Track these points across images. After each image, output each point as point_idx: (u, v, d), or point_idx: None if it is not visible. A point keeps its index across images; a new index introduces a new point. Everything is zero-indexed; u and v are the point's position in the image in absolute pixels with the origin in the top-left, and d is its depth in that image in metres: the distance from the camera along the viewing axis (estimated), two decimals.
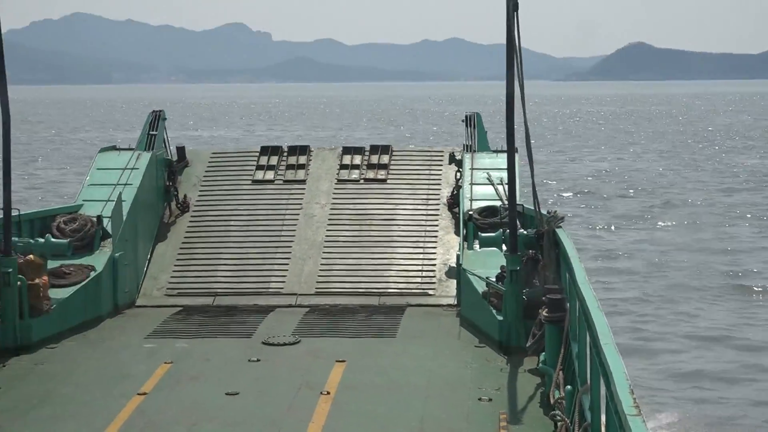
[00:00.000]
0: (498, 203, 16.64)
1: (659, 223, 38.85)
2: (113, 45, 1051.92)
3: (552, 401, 10.76)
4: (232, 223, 18.40)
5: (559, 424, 10.04)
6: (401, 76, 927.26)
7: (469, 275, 15.03)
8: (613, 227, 37.92)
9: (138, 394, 11.78)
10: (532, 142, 13.89)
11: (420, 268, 17.21)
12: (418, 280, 17.00)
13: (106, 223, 16.39)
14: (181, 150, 19.80)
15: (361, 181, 19.30)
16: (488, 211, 16.62)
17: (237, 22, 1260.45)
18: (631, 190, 48.73)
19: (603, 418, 8.32)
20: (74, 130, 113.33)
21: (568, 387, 10.38)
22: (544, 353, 11.90)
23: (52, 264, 15.05)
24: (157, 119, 19.51)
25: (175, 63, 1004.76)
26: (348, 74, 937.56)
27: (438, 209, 18.45)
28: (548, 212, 14.11)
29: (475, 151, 19.04)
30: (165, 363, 12.98)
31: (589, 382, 9.32)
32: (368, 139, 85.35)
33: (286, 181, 19.34)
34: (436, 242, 17.70)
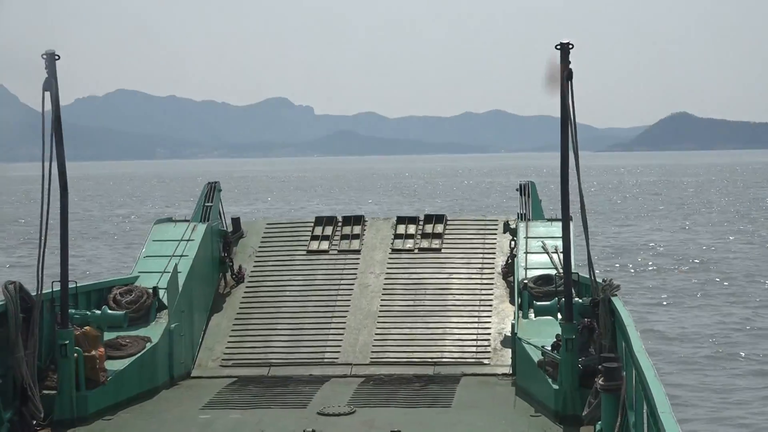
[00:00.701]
0: (553, 272, 16.58)
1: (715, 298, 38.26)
2: (156, 121, 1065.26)
3: None
4: (287, 293, 18.44)
5: None
6: (443, 149, 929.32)
7: (524, 344, 14.95)
8: (665, 302, 37.43)
9: None
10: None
11: (475, 337, 17.14)
12: (473, 349, 16.92)
13: (162, 295, 16.47)
14: (236, 221, 19.93)
15: (416, 251, 19.31)
16: (543, 280, 16.55)
17: (279, 96, 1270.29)
18: (683, 264, 48.04)
19: None
20: (121, 206, 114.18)
21: None
22: (600, 422, 11.78)
23: (108, 336, 15.12)
24: (212, 191, 19.66)
25: (218, 138, 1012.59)
26: (390, 147, 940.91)
27: (492, 278, 18.40)
28: (603, 280, 14.03)
29: (529, 219, 19.01)
30: None
31: None
32: (411, 210, 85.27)
33: (341, 251, 19.39)
34: (490, 311, 17.64)
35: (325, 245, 19.54)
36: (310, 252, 19.42)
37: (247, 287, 18.67)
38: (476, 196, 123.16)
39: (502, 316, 17.40)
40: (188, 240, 18.14)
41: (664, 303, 36.74)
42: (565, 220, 13.87)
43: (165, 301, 16.39)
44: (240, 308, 18.18)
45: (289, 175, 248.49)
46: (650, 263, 47.92)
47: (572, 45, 13.39)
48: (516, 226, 18.71)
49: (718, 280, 42.31)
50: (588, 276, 14.10)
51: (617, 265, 47.20)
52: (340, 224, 20.00)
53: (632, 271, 45.36)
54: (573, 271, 14.26)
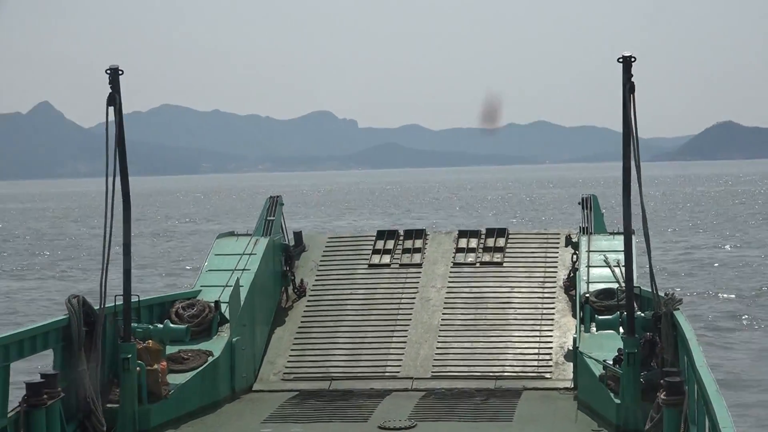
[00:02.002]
0: (615, 285, 16.47)
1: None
2: (201, 135, 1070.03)
3: None
4: (348, 307, 18.48)
5: None
6: (486, 160, 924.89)
7: (586, 358, 14.86)
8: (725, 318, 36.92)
9: None
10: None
11: (536, 351, 17.08)
12: (535, 363, 16.85)
13: (224, 309, 16.56)
14: (298, 235, 20.01)
15: (477, 264, 19.27)
16: (605, 294, 16.44)
17: (323, 110, 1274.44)
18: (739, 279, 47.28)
19: None
20: (167, 218, 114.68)
21: None
22: None
23: (170, 349, 15.24)
24: (274, 204, 19.75)
25: (262, 152, 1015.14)
26: (433, 159, 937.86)
27: (554, 292, 18.32)
28: (666, 294, 13.93)
29: (591, 233, 18.91)
30: None
31: None
32: (457, 223, 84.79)
33: (402, 265, 19.39)
34: (552, 325, 17.55)
35: (386, 259, 19.56)
36: (371, 266, 19.45)
37: (308, 301, 18.72)
38: (529, 209, 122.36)
39: (564, 330, 17.32)
40: (250, 254, 18.23)
41: (727, 318, 36.32)
42: (627, 233, 13.81)
43: (227, 314, 16.48)
44: (301, 322, 18.24)
45: (338, 188, 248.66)
46: (708, 278, 47.33)
47: (634, 58, 13.33)
48: (578, 239, 18.61)
49: None
50: (650, 289, 13.99)
51: (678, 280, 46.80)
52: (401, 238, 20.01)
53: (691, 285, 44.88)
54: (635, 284, 14.17)
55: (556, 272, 18.79)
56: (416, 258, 19.50)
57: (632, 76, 13.34)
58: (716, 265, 52.18)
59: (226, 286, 17.13)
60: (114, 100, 13.53)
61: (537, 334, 17.39)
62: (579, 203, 20.13)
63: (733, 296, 41.21)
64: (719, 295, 41.64)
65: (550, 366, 16.74)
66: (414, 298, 18.47)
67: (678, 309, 13.54)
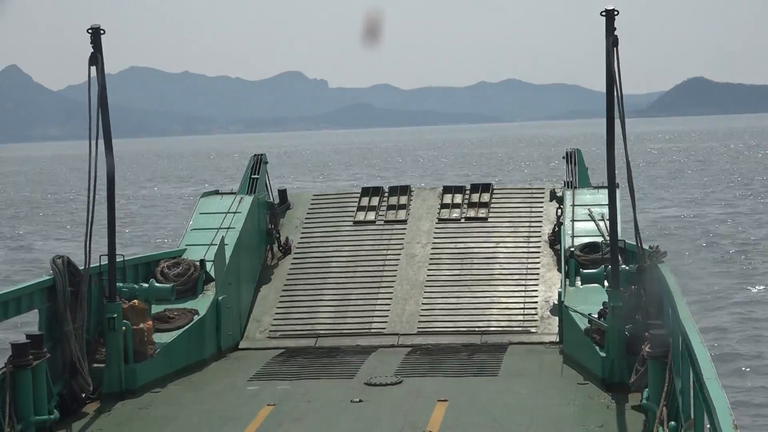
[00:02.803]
0: (599, 239, 16.50)
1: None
2: (170, 97, 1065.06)
3: None
4: (333, 264, 18.48)
5: None
6: (458, 119, 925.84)
7: (571, 312, 14.91)
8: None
9: None
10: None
11: (522, 305, 17.12)
12: (520, 318, 16.90)
13: (209, 267, 16.55)
14: (282, 193, 19.97)
15: (462, 220, 19.27)
16: (590, 248, 16.47)
17: (293, 70, 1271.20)
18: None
19: None
20: (148, 181, 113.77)
21: (672, 423, 10.25)
22: (647, 389, 11.74)
23: (156, 309, 15.23)
24: (258, 163, 19.68)
25: (232, 113, 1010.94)
26: (405, 119, 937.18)
27: (539, 246, 18.34)
28: (650, 247, 13.94)
29: (576, 187, 18.90)
30: (268, 405, 13.05)
31: (692, 417, 9.18)
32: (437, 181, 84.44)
33: (387, 222, 19.38)
34: (537, 280, 17.59)
35: (371, 216, 19.55)
36: (356, 223, 19.44)
37: (294, 259, 18.72)
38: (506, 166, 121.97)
39: (549, 285, 17.36)
40: (235, 212, 18.21)
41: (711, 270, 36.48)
42: (611, 187, 13.81)
43: (212, 273, 16.48)
44: (287, 280, 18.24)
45: (317, 149, 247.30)
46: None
47: (617, 11, 13.27)
48: (562, 193, 18.61)
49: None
50: (634, 243, 14.01)
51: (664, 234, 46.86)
52: (386, 195, 19.99)
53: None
54: (620, 238, 14.19)
55: (540, 227, 18.80)
56: (401, 214, 19.49)
57: (615, 29, 13.27)
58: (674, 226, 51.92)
59: (211, 244, 17.12)
60: (96, 60, 13.45)
61: (522, 288, 17.43)
62: (563, 157, 20.12)
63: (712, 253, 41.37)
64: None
65: (536, 320, 16.79)
66: (399, 254, 18.48)
67: (662, 262, 13.56)
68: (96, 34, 13.45)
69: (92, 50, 13.47)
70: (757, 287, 32.81)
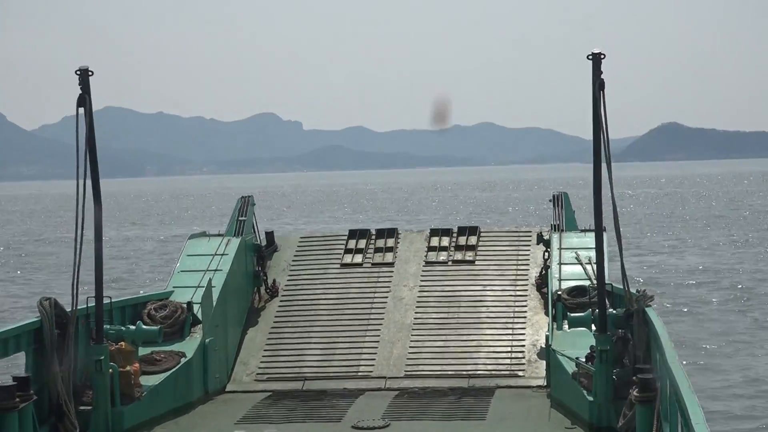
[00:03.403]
0: (587, 283, 16.53)
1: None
2: (145, 138, 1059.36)
3: None
4: (321, 306, 18.47)
5: None
6: (432, 162, 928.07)
7: (558, 356, 14.91)
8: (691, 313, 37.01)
9: None
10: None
11: (509, 349, 17.11)
12: (507, 361, 16.89)
13: (197, 309, 16.52)
14: (270, 235, 19.98)
15: (449, 263, 19.29)
16: (577, 291, 16.49)
17: (267, 112, 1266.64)
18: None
19: None
20: (130, 226, 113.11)
21: None
22: None
23: (143, 351, 15.19)
24: (246, 205, 19.72)
25: (207, 154, 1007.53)
26: (379, 161, 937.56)
27: (526, 289, 18.36)
28: (638, 291, 13.99)
29: (563, 230, 18.95)
30: None
31: None
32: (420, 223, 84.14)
33: (374, 264, 19.40)
34: (524, 323, 17.60)
35: (358, 258, 19.56)
36: (343, 265, 19.44)
37: (281, 301, 18.71)
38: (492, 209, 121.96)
39: (536, 328, 17.37)
40: (222, 254, 18.20)
41: (688, 313, 36.53)
42: (599, 230, 13.87)
43: (200, 315, 16.45)
44: (274, 322, 18.22)
45: (299, 190, 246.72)
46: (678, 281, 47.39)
47: (604, 55, 13.35)
48: (549, 237, 18.65)
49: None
50: (622, 287, 14.04)
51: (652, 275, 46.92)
52: (373, 237, 20.02)
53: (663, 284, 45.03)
54: (607, 282, 14.22)
55: (528, 270, 18.83)
56: (388, 257, 19.51)
57: (602, 73, 13.35)
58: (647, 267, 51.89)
59: (199, 286, 17.09)
60: (84, 101, 13.46)
61: (509, 332, 17.43)
62: (550, 201, 20.18)
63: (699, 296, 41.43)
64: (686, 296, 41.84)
65: (523, 364, 16.78)
66: (386, 297, 18.48)
67: (650, 306, 13.60)
68: (84, 75, 13.47)
69: (80, 91, 13.48)
70: (743, 329, 32.89)
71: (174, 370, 15.18)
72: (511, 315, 17.79)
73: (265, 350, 17.62)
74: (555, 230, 18.94)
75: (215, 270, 17.76)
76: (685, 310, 37.27)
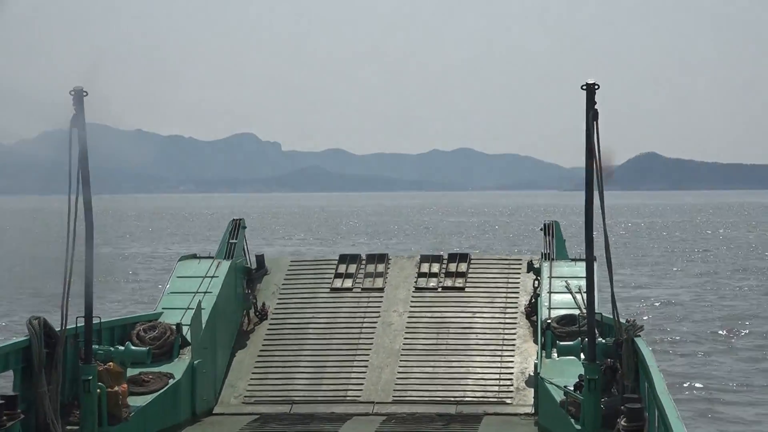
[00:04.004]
0: (576, 311, 16.55)
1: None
2: (121, 155, 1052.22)
3: None
4: (310, 331, 18.46)
5: None
6: (410, 186, 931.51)
7: (546, 384, 14.92)
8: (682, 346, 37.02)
9: None
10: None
11: (497, 376, 17.12)
12: (496, 388, 16.89)
13: (186, 331, 16.51)
14: (260, 258, 19.97)
15: (439, 289, 19.31)
16: (567, 320, 16.52)
17: (246, 132, 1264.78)
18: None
19: None
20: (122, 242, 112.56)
21: None
22: None
23: (131, 372, 15.17)
24: (237, 228, 19.73)
25: (184, 173, 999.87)
26: (357, 184, 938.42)
27: (516, 317, 18.38)
28: (627, 321, 14.01)
29: (553, 259, 18.99)
30: None
31: None
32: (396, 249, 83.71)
33: (365, 289, 19.40)
34: (513, 350, 17.61)
35: (348, 283, 19.57)
36: (333, 290, 19.45)
37: (270, 324, 18.70)
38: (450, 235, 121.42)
39: (525, 356, 17.38)
40: (212, 276, 18.20)
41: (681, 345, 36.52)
42: (589, 260, 13.89)
43: (188, 337, 16.43)
44: (263, 345, 18.21)
45: (277, 211, 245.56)
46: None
47: (598, 86, 13.41)
48: (540, 265, 18.69)
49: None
50: (611, 316, 14.07)
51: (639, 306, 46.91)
52: (363, 262, 20.03)
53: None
54: (596, 311, 14.25)
55: (517, 298, 18.85)
56: (378, 282, 19.52)
57: (595, 103, 13.41)
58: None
59: (188, 308, 17.08)
60: (78, 121, 13.50)
61: (498, 359, 17.44)
62: (541, 229, 20.21)
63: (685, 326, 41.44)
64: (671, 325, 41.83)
65: (511, 391, 16.79)
66: (376, 322, 18.49)
67: (639, 336, 13.62)
68: (78, 95, 13.51)
69: (74, 111, 13.52)
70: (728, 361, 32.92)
71: (162, 391, 15.15)
72: (500, 342, 17.80)
73: (253, 373, 17.60)
74: (545, 259, 18.97)
75: (205, 292, 17.75)
76: (670, 339, 37.34)
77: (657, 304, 48.69)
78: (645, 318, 41.23)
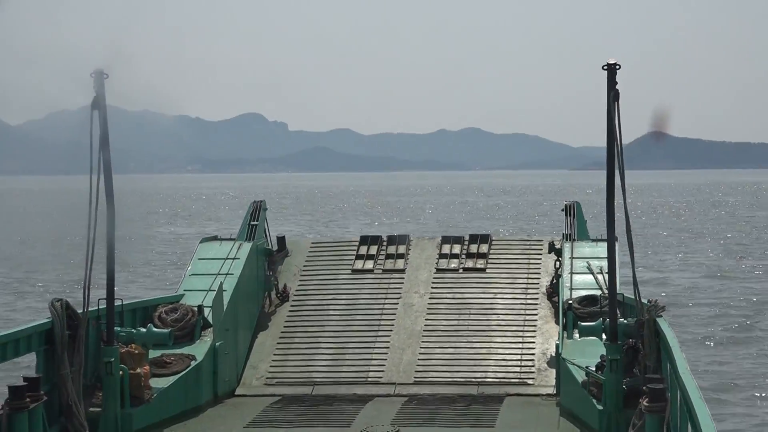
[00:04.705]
0: (598, 292, 16.52)
1: None
2: (129, 135, 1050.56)
3: None
4: (331, 312, 18.48)
5: None
6: (417, 166, 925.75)
7: (568, 364, 14.90)
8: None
9: None
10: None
11: (519, 357, 17.11)
12: (517, 369, 16.88)
13: (207, 313, 16.54)
14: (281, 240, 19.99)
15: (460, 270, 19.29)
16: (588, 300, 16.49)
17: (253, 112, 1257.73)
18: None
19: None
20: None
21: None
22: None
23: (153, 353, 15.22)
24: (258, 209, 19.74)
25: (191, 153, 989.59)
26: (364, 164, 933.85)
27: (537, 298, 18.35)
28: (649, 301, 13.97)
29: (574, 239, 18.94)
30: None
31: None
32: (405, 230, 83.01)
33: (386, 271, 19.40)
34: (535, 331, 17.59)
35: (369, 264, 19.57)
36: (354, 271, 19.45)
37: (291, 306, 18.72)
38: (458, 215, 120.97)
39: (547, 337, 17.35)
40: (234, 258, 18.23)
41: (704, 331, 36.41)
42: (611, 240, 13.85)
43: (210, 319, 16.46)
44: (284, 327, 18.23)
45: (287, 191, 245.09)
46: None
47: (619, 66, 13.36)
48: (561, 246, 18.65)
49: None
50: (633, 296, 14.03)
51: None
52: (384, 243, 20.03)
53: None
54: (618, 291, 14.21)
55: (539, 279, 18.82)
56: (399, 263, 19.51)
57: (617, 83, 13.35)
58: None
59: (210, 290, 17.11)
60: (98, 103, 13.53)
61: (520, 340, 17.42)
62: (562, 210, 20.17)
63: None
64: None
65: (533, 372, 16.78)
66: (397, 303, 18.49)
67: (661, 316, 13.58)
68: (99, 77, 13.54)
69: (95, 94, 13.56)
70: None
71: (184, 373, 15.20)
72: (522, 323, 17.78)
73: (275, 355, 17.64)
74: (567, 239, 18.92)
75: (226, 274, 17.79)
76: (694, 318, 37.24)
77: (679, 286, 48.59)
78: (663, 295, 41.21)
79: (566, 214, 19.85)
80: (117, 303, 14.13)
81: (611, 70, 13.31)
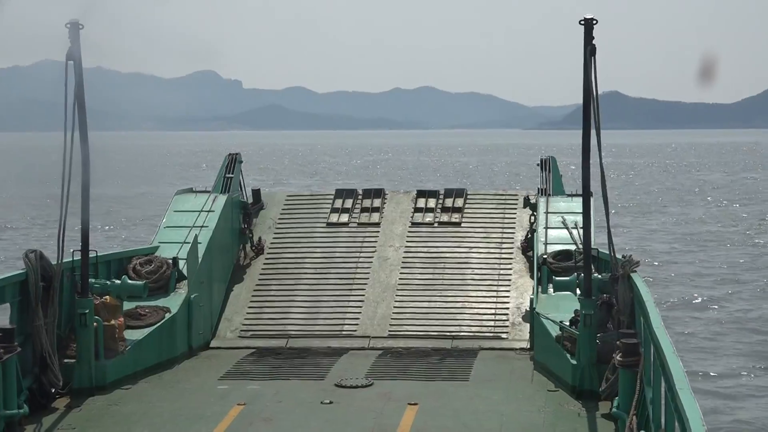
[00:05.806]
0: (572, 247, 16.55)
1: None
2: (85, 91, 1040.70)
3: None
4: (306, 265, 18.46)
5: None
6: (372, 124, 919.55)
7: (542, 319, 14.95)
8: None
9: None
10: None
11: (493, 311, 17.15)
12: (491, 323, 16.93)
13: (182, 265, 16.51)
14: (256, 192, 19.94)
15: (435, 225, 19.30)
16: (563, 255, 16.52)
17: (207, 69, 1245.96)
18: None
19: None
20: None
21: None
22: (617, 398, 11.79)
23: (127, 305, 15.18)
24: (233, 162, 19.64)
25: (145, 110, 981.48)
26: (319, 122, 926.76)
27: (512, 253, 18.38)
28: (623, 256, 13.99)
29: (550, 194, 18.95)
30: (238, 405, 13.03)
31: (663, 427, 9.22)
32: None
33: (360, 224, 19.39)
34: (509, 286, 17.63)
35: (345, 218, 19.56)
36: (329, 224, 19.44)
37: (266, 259, 18.70)
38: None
39: (521, 291, 17.40)
40: (209, 211, 18.17)
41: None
42: (586, 195, 13.84)
43: (185, 271, 16.43)
44: (259, 280, 18.22)
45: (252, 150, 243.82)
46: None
47: (596, 20, 13.30)
48: (536, 200, 18.66)
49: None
50: (608, 252, 14.05)
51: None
52: (360, 197, 20.00)
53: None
54: (593, 246, 14.23)
55: (513, 233, 18.85)
56: (374, 217, 19.50)
57: (593, 38, 13.29)
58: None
59: (184, 242, 17.07)
60: (73, 55, 13.41)
61: (494, 294, 17.47)
62: (538, 165, 20.16)
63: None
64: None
65: (507, 326, 16.83)
66: (372, 257, 18.49)
67: (635, 271, 13.61)
68: (75, 28, 13.41)
69: (69, 45, 13.43)
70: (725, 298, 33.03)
71: (158, 325, 15.19)
72: (496, 278, 17.82)
73: (249, 307, 17.63)
74: (542, 194, 18.94)
75: (201, 226, 17.74)
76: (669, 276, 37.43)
77: (653, 243, 48.80)
78: (633, 250, 41.31)
79: (542, 169, 19.84)
80: (92, 255, 14.07)
81: (588, 25, 13.25)
